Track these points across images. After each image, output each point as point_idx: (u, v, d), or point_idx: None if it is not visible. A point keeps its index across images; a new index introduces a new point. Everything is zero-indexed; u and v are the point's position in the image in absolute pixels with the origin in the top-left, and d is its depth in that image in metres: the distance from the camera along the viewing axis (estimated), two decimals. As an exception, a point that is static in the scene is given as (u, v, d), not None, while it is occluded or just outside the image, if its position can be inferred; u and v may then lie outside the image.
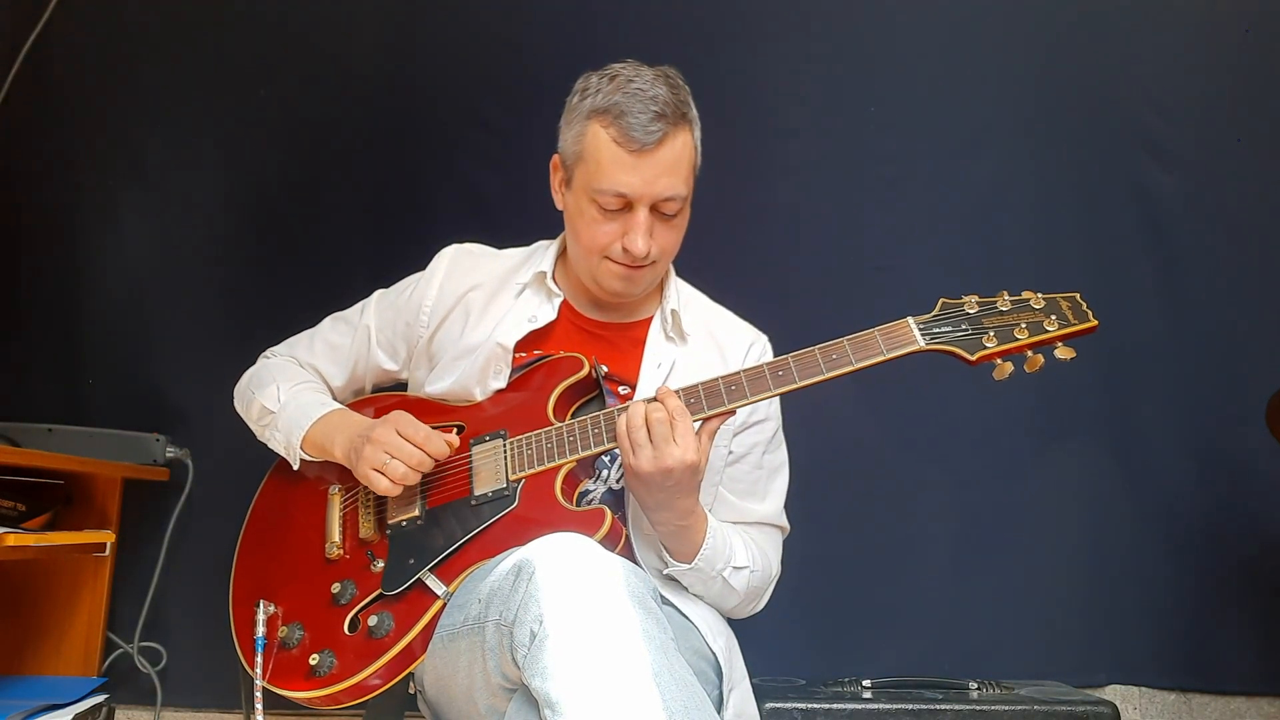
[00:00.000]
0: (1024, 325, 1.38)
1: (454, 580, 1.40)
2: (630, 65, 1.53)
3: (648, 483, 1.38)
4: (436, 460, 1.47)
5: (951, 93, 2.30)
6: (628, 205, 1.50)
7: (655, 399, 1.40)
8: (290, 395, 1.63)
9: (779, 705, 1.71)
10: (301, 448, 1.58)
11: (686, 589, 1.54)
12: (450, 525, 1.45)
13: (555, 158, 1.61)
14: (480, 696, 1.29)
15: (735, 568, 1.53)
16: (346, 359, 1.72)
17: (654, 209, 1.51)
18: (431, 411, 1.60)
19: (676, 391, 1.41)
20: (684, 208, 1.56)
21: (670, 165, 1.49)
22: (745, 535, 1.58)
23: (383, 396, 1.72)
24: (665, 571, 1.50)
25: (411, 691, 1.50)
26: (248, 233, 2.36)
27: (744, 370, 1.41)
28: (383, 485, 1.45)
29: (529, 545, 1.23)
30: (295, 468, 1.61)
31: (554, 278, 1.66)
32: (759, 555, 1.58)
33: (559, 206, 1.62)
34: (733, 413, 1.43)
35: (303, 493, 1.62)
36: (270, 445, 1.65)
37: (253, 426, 1.68)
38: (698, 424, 1.40)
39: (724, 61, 2.30)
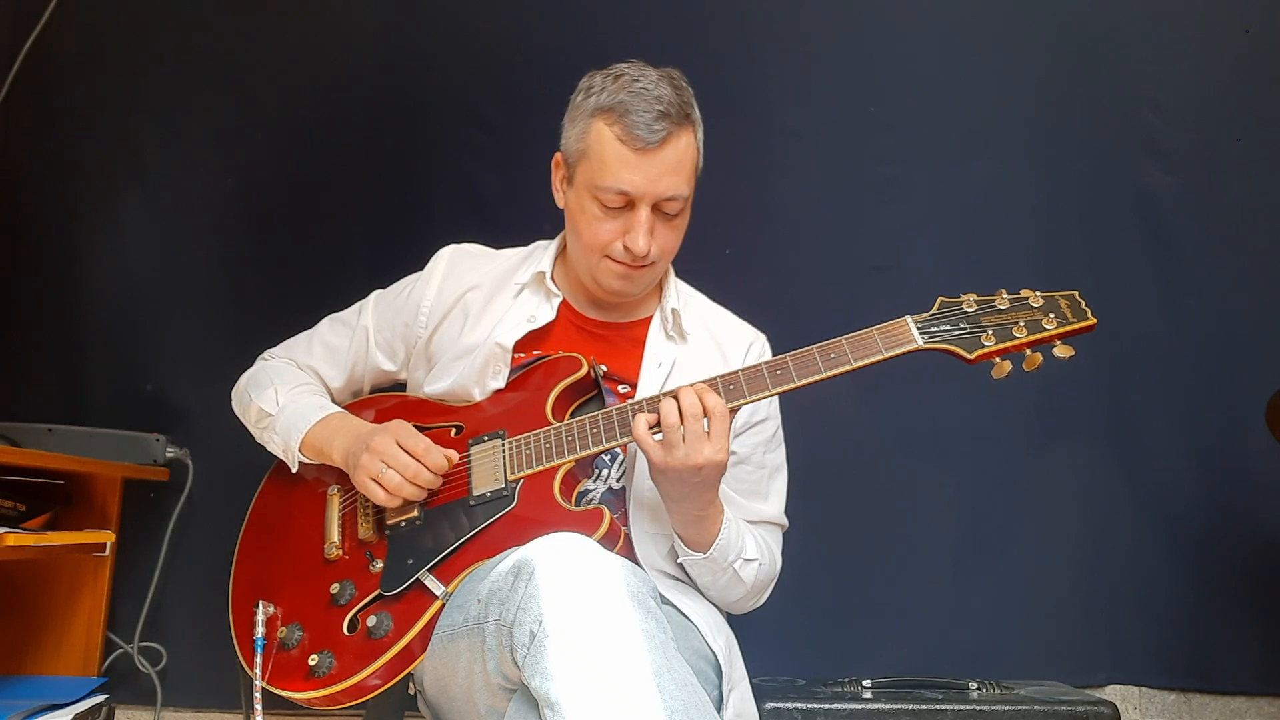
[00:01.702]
0: (1022, 324, 1.38)
1: (453, 580, 1.39)
2: (635, 65, 1.54)
3: (673, 478, 1.38)
4: (435, 473, 1.46)
5: (951, 93, 2.30)
6: (630, 204, 1.50)
7: (686, 394, 1.37)
8: (289, 398, 1.63)
9: (779, 705, 1.71)
10: (300, 450, 1.58)
11: (693, 580, 1.55)
12: (449, 525, 1.45)
13: (557, 155, 1.61)
14: (480, 697, 1.29)
15: (746, 559, 1.53)
16: (345, 360, 1.71)
17: (655, 208, 1.51)
18: (430, 412, 1.60)
19: (713, 381, 1.40)
20: (685, 208, 1.56)
21: (673, 165, 1.50)
22: (753, 530, 1.59)
23: (382, 397, 1.72)
24: (679, 560, 1.50)
25: (411, 692, 1.50)
26: (248, 233, 2.37)
27: (742, 370, 1.41)
28: (379, 496, 1.45)
29: (528, 545, 1.23)
30: (294, 470, 1.61)
31: (552, 277, 1.66)
32: (766, 549, 1.59)
33: (560, 204, 1.63)
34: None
35: (302, 493, 1.62)
36: (269, 448, 1.65)
37: (251, 429, 1.68)
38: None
39: (724, 61, 2.30)
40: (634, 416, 1.40)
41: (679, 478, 1.37)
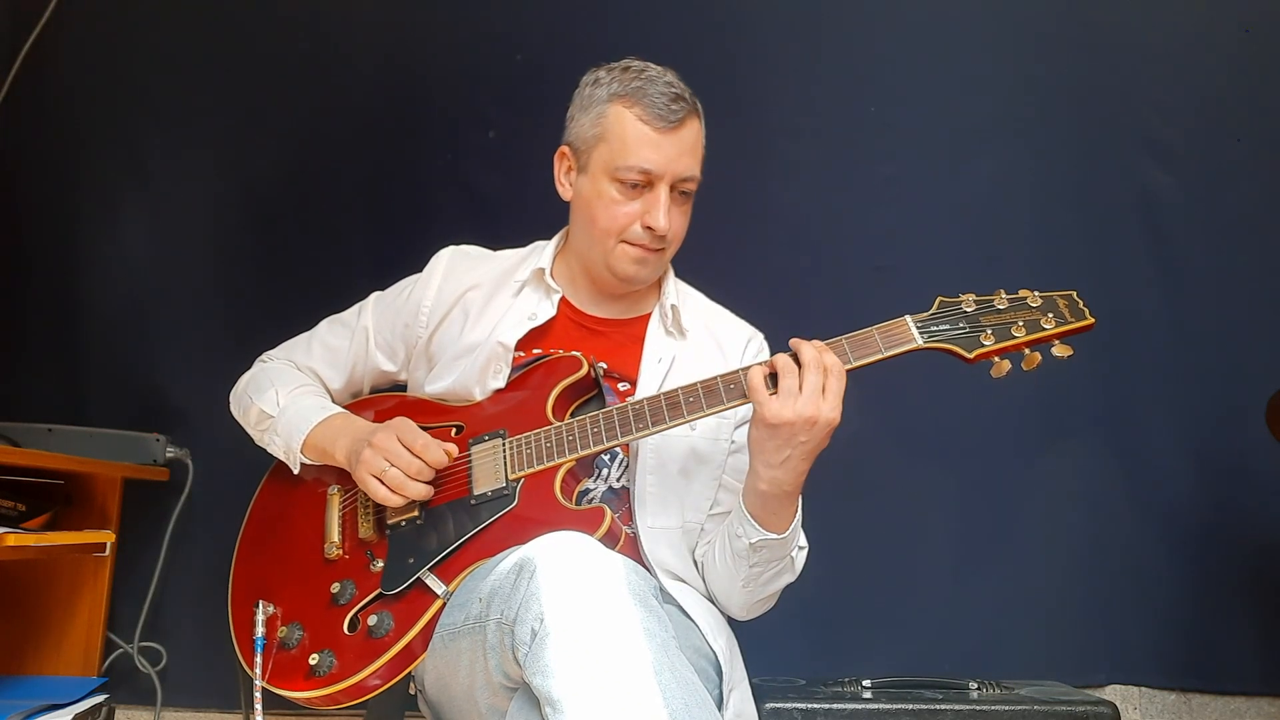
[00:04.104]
0: (1021, 323, 1.38)
1: (454, 579, 1.39)
2: (637, 60, 1.58)
3: (783, 435, 1.36)
4: (435, 469, 1.47)
5: (951, 93, 2.31)
6: (649, 183, 1.53)
7: (806, 348, 1.37)
8: (289, 399, 1.63)
9: (779, 705, 1.71)
10: (302, 452, 1.58)
11: (706, 580, 1.56)
12: (450, 525, 1.45)
13: (562, 148, 1.62)
14: (481, 695, 1.29)
15: (800, 546, 1.55)
16: (345, 361, 1.71)
17: (671, 189, 1.54)
18: (431, 411, 1.60)
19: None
20: (693, 194, 1.59)
21: (690, 146, 1.54)
22: None
23: (381, 397, 1.72)
24: (753, 541, 1.46)
25: (412, 691, 1.50)
26: (248, 233, 2.37)
27: (743, 369, 1.42)
28: (381, 493, 1.45)
29: (530, 544, 1.23)
30: (295, 472, 1.61)
31: (552, 274, 1.66)
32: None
33: (565, 197, 1.63)
34: None
35: (301, 493, 1.62)
36: (269, 450, 1.65)
37: (251, 431, 1.68)
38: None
39: (724, 62, 2.30)
40: (747, 373, 1.39)
41: (789, 434, 1.35)
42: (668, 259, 1.63)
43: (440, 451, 1.46)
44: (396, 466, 1.44)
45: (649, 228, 1.53)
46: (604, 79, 1.57)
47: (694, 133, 1.55)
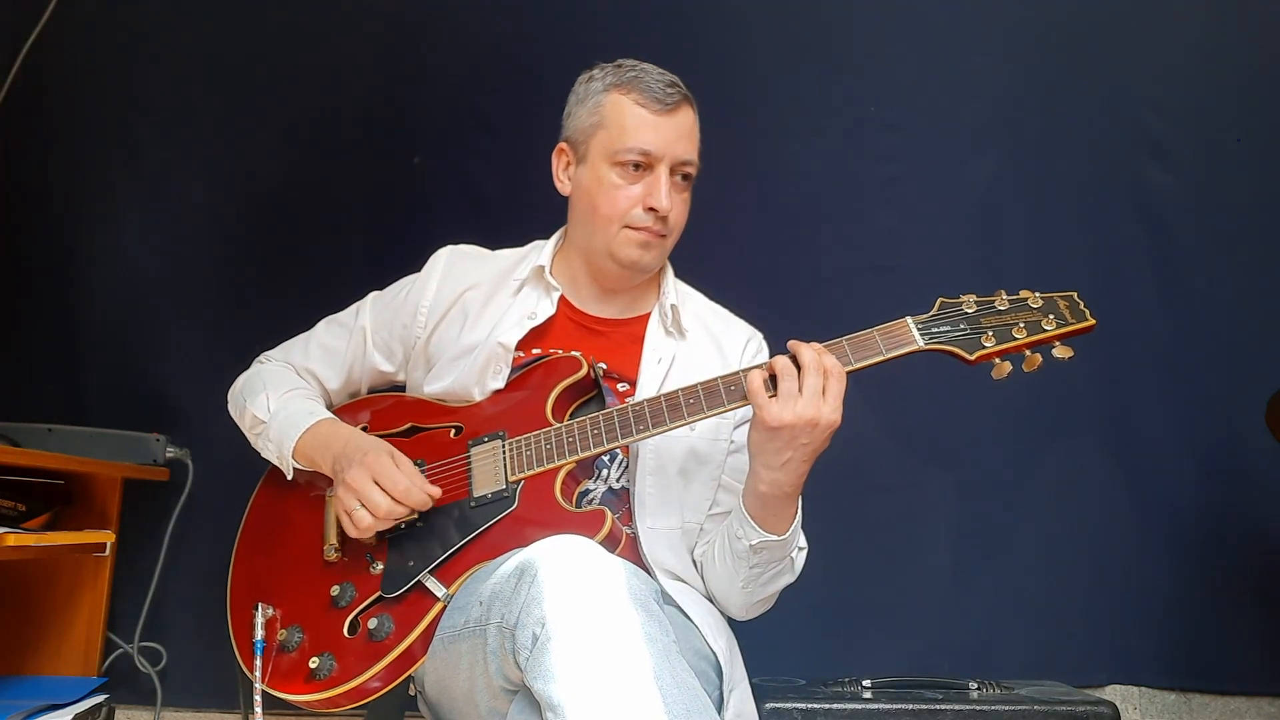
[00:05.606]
0: (1022, 324, 1.38)
1: (454, 582, 1.39)
2: (629, 59, 1.60)
3: (785, 437, 1.36)
4: (415, 511, 1.44)
5: (952, 92, 2.30)
6: (649, 165, 1.55)
7: (806, 350, 1.37)
8: (280, 404, 1.62)
9: (779, 705, 1.71)
10: (293, 458, 1.58)
11: (704, 580, 1.56)
12: (449, 527, 1.45)
13: (560, 145, 1.64)
14: (481, 698, 1.29)
15: (800, 548, 1.55)
16: (342, 362, 1.71)
17: (671, 173, 1.55)
18: (430, 412, 1.60)
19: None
20: (692, 183, 1.60)
21: (687, 130, 1.58)
22: None
23: (378, 398, 1.72)
24: (753, 542, 1.46)
25: (412, 693, 1.50)
26: (247, 233, 2.37)
27: (743, 370, 1.42)
28: (351, 531, 1.44)
29: (531, 547, 1.23)
30: (289, 477, 1.60)
31: (551, 272, 1.66)
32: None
33: (564, 192, 1.64)
34: None
35: (300, 495, 1.61)
36: (263, 454, 1.64)
37: (246, 434, 1.67)
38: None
39: (724, 62, 2.30)
40: (746, 376, 1.39)
41: (790, 437, 1.35)
42: (669, 247, 1.63)
43: (423, 496, 1.43)
44: (366, 508, 1.42)
45: (651, 209, 1.54)
46: (598, 75, 1.60)
47: (690, 119, 1.58)
